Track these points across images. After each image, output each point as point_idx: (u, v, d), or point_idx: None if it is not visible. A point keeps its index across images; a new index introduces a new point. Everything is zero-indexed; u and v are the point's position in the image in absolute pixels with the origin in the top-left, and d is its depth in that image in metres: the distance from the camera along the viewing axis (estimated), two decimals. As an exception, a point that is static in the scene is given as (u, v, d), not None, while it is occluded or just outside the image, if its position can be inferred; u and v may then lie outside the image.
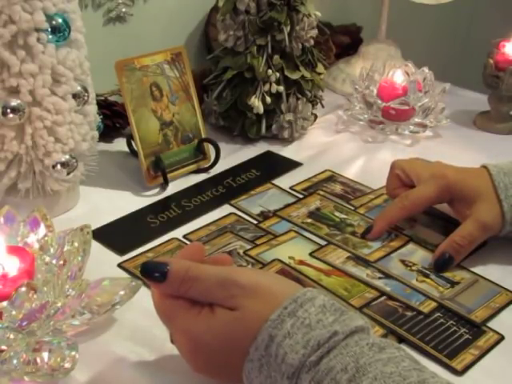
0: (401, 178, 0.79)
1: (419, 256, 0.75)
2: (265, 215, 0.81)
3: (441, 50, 1.64)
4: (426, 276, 0.71)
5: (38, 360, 0.54)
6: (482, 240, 0.74)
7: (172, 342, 0.56)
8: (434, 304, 0.67)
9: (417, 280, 0.71)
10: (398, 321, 0.65)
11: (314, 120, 1.02)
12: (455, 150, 0.99)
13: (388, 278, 0.71)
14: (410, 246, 0.76)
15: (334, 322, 0.49)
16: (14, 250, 0.62)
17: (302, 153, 0.97)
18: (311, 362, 0.47)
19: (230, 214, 0.82)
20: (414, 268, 0.73)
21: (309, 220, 0.80)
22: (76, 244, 0.62)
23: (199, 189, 0.87)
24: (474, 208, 0.73)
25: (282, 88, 0.95)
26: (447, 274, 0.72)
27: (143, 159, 0.85)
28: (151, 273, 0.54)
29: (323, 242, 0.76)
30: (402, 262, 0.74)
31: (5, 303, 0.55)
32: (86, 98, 0.75)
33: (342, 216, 0.81)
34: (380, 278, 0.71)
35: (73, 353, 0.55)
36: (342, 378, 0.46)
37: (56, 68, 0.72)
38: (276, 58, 0.94)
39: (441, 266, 0.72)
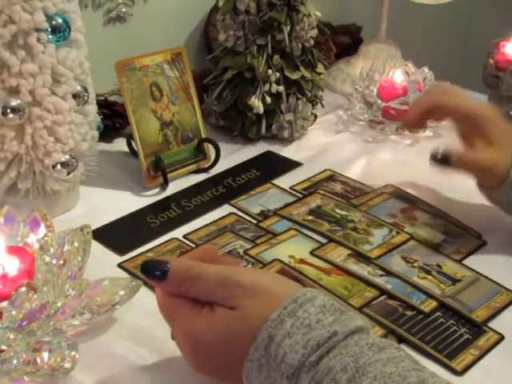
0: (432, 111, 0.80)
1: (420, 253, 0.75)
2: (265, 214, 0.81)
3: (441, 50, 1.64)
4: (428, 273, 0.72)
5: (38, 360, 0.54)
6: (480, 175, 0.75)
7: (173, 338, 0.56)
8: (434, 303, 0.67)
9: (418, 277, 0.71)
10: (397, 320, 0.65)
11: (314, 120, 1.02)
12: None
13: (389, 276, 0.71)
14: (411, 244, 0.76)
15: (334, 322, 0.49)
16: (13, 250, 0.62)
17: (302, 153, 0.97)
18: (311, 362, 0.47)
19: (230, 213, 0.82)
20: (415, 264, 0.73)
21: (310, 217, 0.80)
22: (76, 244, 0.62)
23: (199, 189, 0.87)
24: (490, 147, 0.74)
25: (282, 88, 0.95)
26: (449, 272, 0.72)
27: (143, 159, 0.85)
28: (152, 271, 0.54)
29: (324, 240, 0.77)
30: (404, 258, 0.74)
31: (5, 303, 0.55)
32: (85, 98, 0.75)
33: (343, 213, 0.81)
34: (381, 275, 0.71)
35: (73, 353, 0.55)
36: (341, 378, 0.46)
37: (56, 68, 0.72)
38: (276, 58, 0.94)
39: (441, 156, 0.74)
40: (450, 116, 0.78)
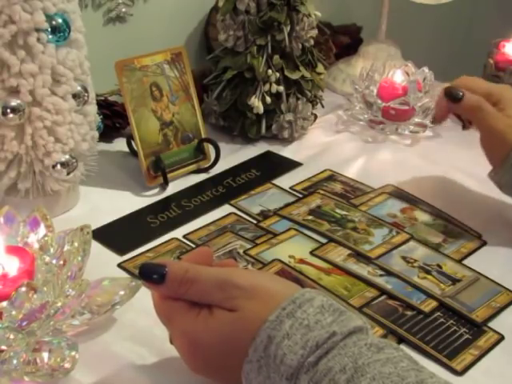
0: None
1: (420, 253, 0.75)
2: (265, 214, 0.81)
3: (441, 50, 1.64)
4: (428, 273, 0.72)
5: (38, 360, 0.55)
6: (486, 126, 0.77)
7: (171, 342, 0.56)
8: (434, 303, 0.67)
9: (418, 277, 0.71)
10: (397, 320, 0.65)
11: (314, 120, 1.02)
12: (455, 150, 0.99)
13: (389, 276, 0.71)
14: (411, 244, 0.76)
15: (333, 322, 0.49)
16: (13, 250, 0.62)
17: (302, 153, 0.97)
18: (310, 363, 0.47)
19: (230, 213, 0.82)
20: (415, 264, 0.73)
21: (310, 217, 0.80)
22: (76, 244, 0.62)
23: (199, 189, 0.87)
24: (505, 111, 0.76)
25: (281, 88, 0.95)
26: (449, 271, 0.72)
27: (143, 159, 0.85)
28: (149, 275, 0.54)
29: (323, 240, 0.77)
30: (404, 258, 0.74)
31: (5, 303, 0.55)
32: (86, 98, 0.75)
33: (343, 213, 0.81)
34: (381, 275, 0.71)
35: (73, 353, 0.55)
36: (340, 379, 0.46)
37: (56, 68, 0.72)
38: (276, 58, 0.94)
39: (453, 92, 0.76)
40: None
